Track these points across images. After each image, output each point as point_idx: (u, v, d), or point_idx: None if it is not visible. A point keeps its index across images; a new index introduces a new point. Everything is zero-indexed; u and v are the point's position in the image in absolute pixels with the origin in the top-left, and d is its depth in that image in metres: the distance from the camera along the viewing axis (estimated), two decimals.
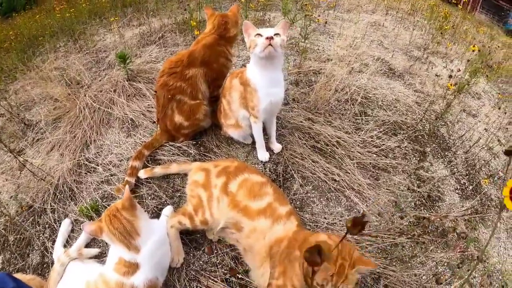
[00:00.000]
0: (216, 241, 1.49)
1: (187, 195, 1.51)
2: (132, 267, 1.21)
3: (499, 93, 3.53)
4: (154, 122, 2.03)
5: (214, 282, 1.36)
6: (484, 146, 2.52)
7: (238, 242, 1.39)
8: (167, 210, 1.57)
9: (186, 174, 1.62)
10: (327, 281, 1.05)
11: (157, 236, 1.31)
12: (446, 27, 3.80)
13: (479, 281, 1.74)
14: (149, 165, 1.78)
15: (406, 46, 3.49)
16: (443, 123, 2.45)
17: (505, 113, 2.96)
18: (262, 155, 1.77)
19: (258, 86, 1.57)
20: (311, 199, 1.66)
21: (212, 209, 1.39)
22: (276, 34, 1.46)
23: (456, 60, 3.67)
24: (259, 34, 1.47)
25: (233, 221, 1.35)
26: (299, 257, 1.16)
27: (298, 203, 1.65)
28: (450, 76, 2.81)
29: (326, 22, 3.50)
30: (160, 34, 3.09)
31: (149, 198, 1.67)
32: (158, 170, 1.70)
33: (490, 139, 2.56)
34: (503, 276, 1.84)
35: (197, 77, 1.79)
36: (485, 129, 2.80)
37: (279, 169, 1.75)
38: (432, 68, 3.24)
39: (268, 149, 1.82)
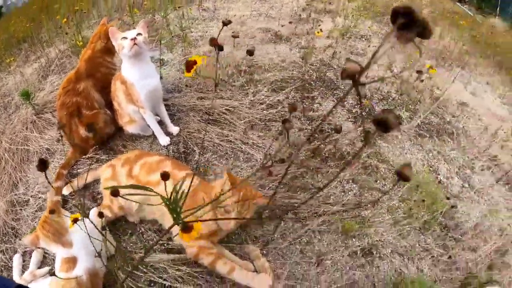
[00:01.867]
0: (138, 222, 1.64)
1: (103, 192, 1.65)
2: (71, 261, 1.37)
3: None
4: (59, 140, 2.13)
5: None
6: (374, 77, 2.85)
7: (154, 214, 1.55)
8: (92, 211, 1.71)
9: None
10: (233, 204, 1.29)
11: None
12: None
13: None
14: (69, 180, 1.89)
15: (293, 11, 3.77)
16: (330, 68, 2.73)
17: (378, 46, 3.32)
18: (163, 139, 1.93)
19: (134, 81, 1.74)
20: (212, 163, 1.83)
21: (120, 199, 1.54)
22: (138, 34, 1.65)
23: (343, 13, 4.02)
24: (124, 37, 1.65)
25: (143, 198, 1.51)
26: (205, 197, 1.38)
27: (201, 169, 1.81)
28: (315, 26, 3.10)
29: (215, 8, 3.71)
30: (58, 62, 3.13)
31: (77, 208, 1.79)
32: (78, 183, 1.83)
33: (378, 69, 2.89)
34: (415, 178, 2.14)
35: (87, 88, 1.92)
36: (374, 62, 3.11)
37: (180, 147, 1.91)
38: (319, 25, 3.53)
39: (168, 133, 1.98)
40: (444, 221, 2.00)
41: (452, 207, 2.00)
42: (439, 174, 2.26)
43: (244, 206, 1.31)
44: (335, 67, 2.76)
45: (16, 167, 2.19)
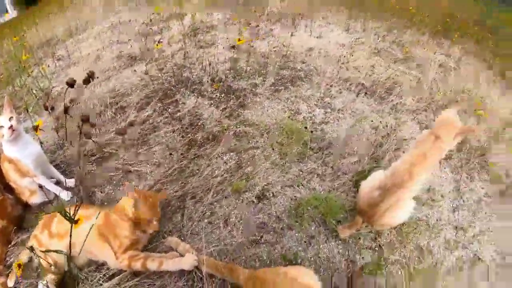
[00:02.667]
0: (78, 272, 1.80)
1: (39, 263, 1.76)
2: None
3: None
4: None
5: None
6: (224, 62, 3.25)
7: (87, 254, 1.72)
8: (39, 284, 1.83)
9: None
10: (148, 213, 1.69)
11: None
12: None
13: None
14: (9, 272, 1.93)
15: (141, 28, 4.03)
16: (184, 69, 3.08)
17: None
18: (63, 195, 2.06)
19: (18, 156, 1.88)
20: (111, 193, 2.06)
21: (53, 255, 1.68)
22: (10, 118, 1.78)
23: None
24: (1, 126, 1.77)
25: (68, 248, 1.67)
26: (117, 217, 1.70)
27: (106, 204, 2.02)
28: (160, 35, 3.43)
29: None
30: None
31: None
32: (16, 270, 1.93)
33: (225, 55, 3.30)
34: (279, 125, 2.58)
35: None
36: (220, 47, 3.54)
37: (81, 193, 2.09)
38: (168, 32, 3.87)
39: (69, 188, 2.10)
40: (316, 145, 2.49)
41: (312, 131, 2.49)
42: (300, 113, 2.76)
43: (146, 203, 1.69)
44: (188, 65, 3.11)
45: None
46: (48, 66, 3.69)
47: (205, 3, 4.76)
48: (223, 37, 3.73)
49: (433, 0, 7.15)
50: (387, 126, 2.87)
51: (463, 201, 2.46)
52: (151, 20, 4.12)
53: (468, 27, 6.40)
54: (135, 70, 3.10)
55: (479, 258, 2.15)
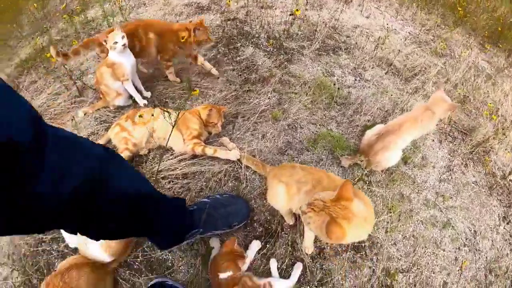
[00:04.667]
0: (146, 153, 2.73)
1: (117, 146, 2.65)
2: None
3: None
4: None
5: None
6: (280, 24, 4.18)
7: (159, 140, 2.68)
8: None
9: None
10: (216, 119, 2.63)
11: None
12: None
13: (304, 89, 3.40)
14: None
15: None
16: (245, 24, 4.07)
17: None
18: (140, 101, 3.01)
19: (122, 61, 2.81)
20: (181, 104, 3.08)
21: (134, 136, 2.61)
22: (123, 37, 2.70)
23: None
24: (116, 42, 2.68)
25: (149, 132, 2.63)
26: (191, 116, 2.65)
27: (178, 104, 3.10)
28: None
29: None
30: None
31: None
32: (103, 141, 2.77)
33: (281, 18, 4.23)
34: (315, 80, 3.48)
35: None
36: (278, 11, 4.45)
37: (156, 102, 3.10)
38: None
39: (144, 98, 3.08)
40: (340, 101, 3.40)
41: (338, 88, 3.41)
42: (334, 76, 3.67)
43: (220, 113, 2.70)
44: (249, 22, 4.09)
45: None
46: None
47: None
48: (281, 1, 4.63)
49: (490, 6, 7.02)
50: (402, 102, 3.56)
51: (451, 177, 3.05)
52: None
53: None
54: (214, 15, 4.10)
55: (451, 225, 2.72)
